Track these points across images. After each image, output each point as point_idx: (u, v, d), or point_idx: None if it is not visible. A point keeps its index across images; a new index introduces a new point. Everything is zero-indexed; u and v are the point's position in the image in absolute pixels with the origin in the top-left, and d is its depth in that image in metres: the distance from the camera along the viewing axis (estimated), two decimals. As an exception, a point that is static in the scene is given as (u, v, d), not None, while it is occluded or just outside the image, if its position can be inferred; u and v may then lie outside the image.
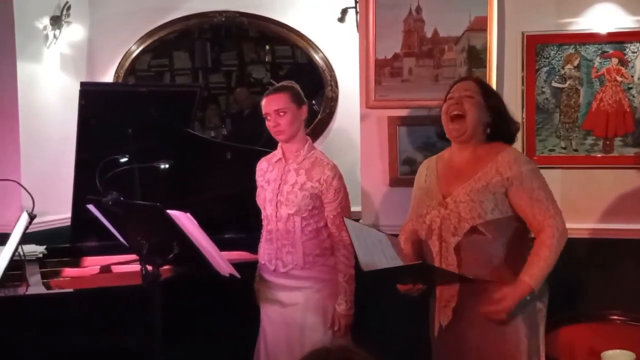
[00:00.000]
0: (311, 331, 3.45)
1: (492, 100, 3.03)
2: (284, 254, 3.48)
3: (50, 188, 4.52)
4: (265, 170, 3.60)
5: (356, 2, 4.37)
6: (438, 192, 3.02)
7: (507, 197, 2.91)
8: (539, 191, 2.91)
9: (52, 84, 4.99)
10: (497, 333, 2.93)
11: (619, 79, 3.83)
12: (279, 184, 3.50)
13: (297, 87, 3.59)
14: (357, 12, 4.38)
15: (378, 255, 2.94)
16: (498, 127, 3.04)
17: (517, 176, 2.90)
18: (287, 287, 3.48)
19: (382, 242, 3.03)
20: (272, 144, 3.71)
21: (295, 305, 3.47)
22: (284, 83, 3.64)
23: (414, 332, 3.33)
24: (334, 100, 5.09)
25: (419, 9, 4.01)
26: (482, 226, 2.90)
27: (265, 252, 3.55)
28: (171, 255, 3.12)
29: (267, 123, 3.50)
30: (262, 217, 3.60)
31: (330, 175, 3.45)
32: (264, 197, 3.55)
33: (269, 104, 3.48)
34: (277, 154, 3.59)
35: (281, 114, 3.45)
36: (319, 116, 5.12)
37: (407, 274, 3.00)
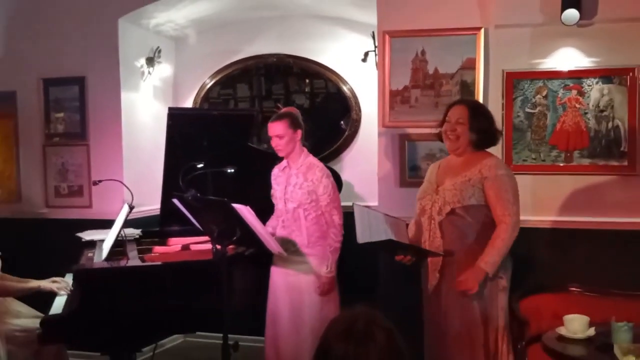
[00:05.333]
0: (308, 294, 3.49)
1: (477, 122, 3.07)
2: (294, 236, 3.54)
3: (145, 186, 4.55)
4: (277, 175, 3.68)
5: (375, 47, 4.36)
6: (434, 183, 3.11)
7: (483, 190, 2.96)
8: (506, 192, 2.96)
9: (147, 108, 5.03)
10: (462, 295, 2.98)
11: (577, 106, 3.78)
12: (285, 186, 3.55)
13: (295, 113, 3.64)
14: (376, 55, 4.37)
15: (379, 231, 2.97)
16: (483, 139, 3.08)
17: (493, 176, 2.97)
18: (295, 261, 3.51)
19: (383, 222, 3.06)
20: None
21: (299, 274, 3.50)
22: (284, 111, 3.70)
23: (409, 295, 3.31)
24: (357, 121, 5.08)
25: (423, 52, 4.00)
26: (460, 209, 2.99)
27: (280, 235, 3.58)
28: (235, 238, 3.14)
29: (271, 142, 3.57)
30: (277, 210, 3.65)
31: (320, 175, 3.51)
32: (277, 195, 3.62)
33: (271, 130, 3.56)
34: (284, 163, 3.65)
35: (280, 137, 3.48)
36: (346, 133, 5.11)
37: (398, 247, 3.02)
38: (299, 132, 3.56)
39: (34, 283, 3.55)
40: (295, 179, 3.54)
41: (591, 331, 3.02)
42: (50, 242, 4.53)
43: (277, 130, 3.52)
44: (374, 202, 4.16)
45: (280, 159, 3.70)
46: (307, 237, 3.50)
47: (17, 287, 3.52)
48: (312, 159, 3.60)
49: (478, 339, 2.96)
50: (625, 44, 3.69)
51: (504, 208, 2.94)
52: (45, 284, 3.57)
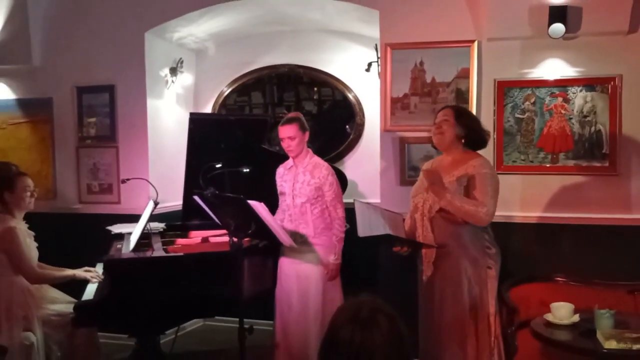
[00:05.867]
0: (315, 281, 3.48)
1: (462, 120, 3.04)
2: (300, 228, 3.54)
3: (168, 184, 4.54)
4: (282, 174, 3.67)
5: (378, 58, 4.34)
6: (426, 182, 3.02)
7: (467, 187, 2.92)
8: (486, 187, 2.94)
9: (170, 114, 5.02)
10: (454, 285, 2.94)
11: (563, 112, 3.76)
12: (293, 183, 3.54)
13: (302, 117, 3.63)
14: (378, 65, 4.35)
15: (378, 226, 2.94)
16: (470, 137, 3.04)
17: (477, 173, 2.94)
18: (302, 251, 3.51)
19: (381, 217, 3.03)
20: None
21: (306, 263, 3.50)
22: (293, 115, 3.67)
23: (406, 284, 3.28)
24: (361, 126, 5.05)
25: (422, 63, 3.98)
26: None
27: (287, 228, 3.56)
28: (250, 231, 3.13)
29: (282, 143, 3.56)
30: (283, 205, 3.63)
31: (326, 173, 3.53)
32: (284, 192, 3.60)
33: (283, 132, 3.54)
34: (289, 162, 3.65)
35: (292, 139, 3.46)
36: (351, 137, 5.08)
37: (394, 240, 2.99)
38: (307, 133, 3.58)
39: (69, 271, 3.56)
40: (302, 177, 3.54)
41: (576, 318, 3.00)
42: (83, 235, 4.53)
43: (289, 132, 3.51)
44: (376, 199, 4.14)
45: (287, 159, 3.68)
46: (314, 229, 3.51)
47: (55, 275, 3.53)
48: (317, 159, 3.62)
49: (469, 327, 2.92)
50: (607, 55, 3.67)
51: (482, 197, 2.88)
52: (80, 272, 3.57)
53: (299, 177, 3.56)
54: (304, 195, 3.51)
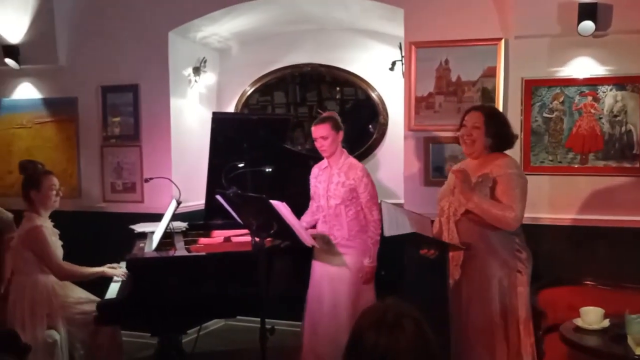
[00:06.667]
0: (347, 284, 3.44)
1: (493, 128, 2.95)
2: (334, 230, 3.49)
3: (191, 183, 4.56)
4: (317, 174, 3.63)
5: (402, 57, 4.29)
6: (452, 185, 2.98)
7: (493, 188, 2.85)
8: (514, 189, 2.85)
9: (193, 113, 5.03)
10: (482, 289, 2.87)
11: (592, 111, 3.67)
12: (328, 184, 3.50)
13: (336, 116, 3.58)
14: (402, 64, 4.30)
15: (404, 226, 2.89)
16: (498, 144, 2.97)
17: (503, 174, 2.86)
18: (336, 253, 3.47)
19: (408, 218, 2.98)
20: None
21: (340, 265, 3.46)
22: (327, 114, 3.62)
23: (434, 287, 3.23)
24: (385, 125, 5.00)
25: (447, 61, 3.93)
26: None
27: (321, 230, 3.54)
28: (272, 231, 3.11)
29: (315, 143, 3.52)
30: (316, 205, 3.62)
31: (361, 175, 3.47)
32: (319, 193, 3.56)
33: (316, 131, 3.50)
34: (324, 163, 3.61)
35: (324, 138, 3.42)
36: (374, 136, 5.04)
37: (422, 241, 2.94)
38: (341, 133, 3.53)
39: (97, 269, 3.58)
40: (337, 178, 3.50)
41: (606, 322, 2.92)
42: (106, 234, 4.56)
43: (322, 132, 3.47)
44: (400, 200, 4.09)
45: (315, 159, 3.65)
46: (348, 231, 3.47)
47: (84, 271, 3.54)
48: (352, 160, 3.57)
49: (498, 332, 2.85)
50: (637, 54, 3.59)
51: (511, 201, 2.80)
52: (108, 270, 3.59)
53: (334, 178, 3.51)
54: (339, 197, 3.46)
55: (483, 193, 2.83)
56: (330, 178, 3.52)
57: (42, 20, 4.80)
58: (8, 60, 4.85)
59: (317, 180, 3.61)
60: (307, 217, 3.66)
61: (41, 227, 3.43)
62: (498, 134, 2.94)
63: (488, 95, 3.82)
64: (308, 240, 3.24)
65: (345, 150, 3.59)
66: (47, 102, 5.03)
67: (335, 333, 3.37)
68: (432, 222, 3.16)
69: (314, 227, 3.68)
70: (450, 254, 2.98)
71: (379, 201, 3.00)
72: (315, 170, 3.67)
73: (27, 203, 3.52)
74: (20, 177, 3.68)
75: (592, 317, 2.93)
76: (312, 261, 3.59)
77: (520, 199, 2.82)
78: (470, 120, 2.96)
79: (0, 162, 5.16)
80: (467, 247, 2.88)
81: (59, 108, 4.98)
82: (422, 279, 3.67)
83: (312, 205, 3.68)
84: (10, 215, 4.11)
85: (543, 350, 3.09)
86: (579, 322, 2.96)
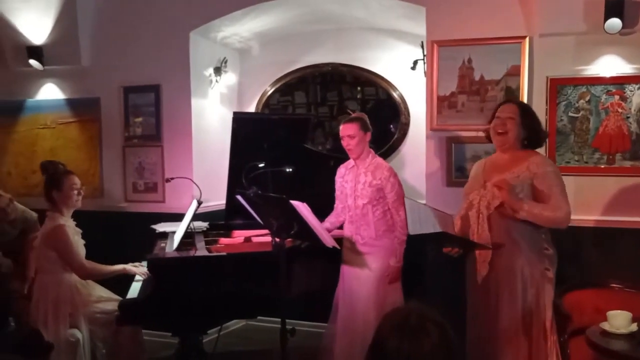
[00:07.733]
0: (374, 285, 3.42)
1: (528, 120, 2.91)
2: (361, 230, 3.47)
3: (212, 183, 4.56)
4: (344, 174, 3.61)
5: (424, 55, 4.24)
6: (482, 178, 2.95)
7: (533, 186, 2.81)
8: (557, 187, 2.81)
9: (214, 113, 5.04)
10: (510, 287, 2.83)
11: (620, 110, 3.61)
12: (355, 184, 3.49)
13: (365, 117, 3.57)
14: (424, 63, 4.25)
15: (427, 223, 2.85)
16: (531, 138, 2.93)
17: (542, 173, 2.81)
18: (363, 253, 3.46)
19: (431, 215, 2.94)
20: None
21: (367, 265, 3.44)
22: (356, 115, 3.63)
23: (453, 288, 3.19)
24: (406, 125, 4.96)
25: (470, 60, 3.88)
26: None
27: (348, 230, 3.54)
28: (293, 232, 3.09)
29: (342, 142, 3.50)
30: (341, 206, 3.61)
31: (388, 175, 3.45)
32: (345, 193, 3.55)
33: (344, 130, 3.49)
34: (350, 162, 3.59)
35: (352, 138, 3.40)
36: (396, 136, 5.00)
37: (446, 239, 2.89)
38: (369, 134, 3.52)
39: (119, 266, 3.60)
40: (364, 177, 3.49)
41: (634, 327, 2.84)
42: (128, 233, 4.60)
43: (349, 130, 3.47)
44: (422, 200, 4.05)
45: (335, 160, 3.62)
46: (375, 230, 3.46)
47: (105, 270, 3.56)
48: (379, 160, 3.56)
49: (526, 331, 2.81)
50: (667, 51, 3.49)
51: (557, 200, 2.78)
52: (130, 267, 3.61)
53: (360, 177, 3.51)
54: (366, 197, 3.46)
55: (519, 189, 2.80)
56: (357, 178, 3.52)
57: (65, 21, 4.85)
58: (32, 62, 4.92)
59: (344, 180, 3.59)
60: (331, 218, 3.66)
61: (64, 226, 3.46)
62: (532, 127, 2.91)
63: (512, 94, 3.77)
64: (329, 241, 3.21)
65: (372, 151, 3.58)
66: (70, 103, 5.08)
67: (365, 333, 3.35)
68: (454, 221, 3.12)
69: (339, 228, 3.66)
70: (477, 252, 2.93)
71: None
72: (341, 169, 3.65)
73: (49, 203, 3.56)
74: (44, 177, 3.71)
75: (620, 320, 2.86)
76: (341, 265, 3.58)
77: (563, 194, 2.82)
78: (504, 112, 2.93)
79: (24, 162, 5.23)
80: (495, 246, 2.84)
81: (82, 108, 5.03)
82: (441, 280, 3.63)
83: (338, 206, 3.67)
84: (34, 214, 4.17)
85: (568, 354, 3.03)
86: (605, 326, 2.89)
